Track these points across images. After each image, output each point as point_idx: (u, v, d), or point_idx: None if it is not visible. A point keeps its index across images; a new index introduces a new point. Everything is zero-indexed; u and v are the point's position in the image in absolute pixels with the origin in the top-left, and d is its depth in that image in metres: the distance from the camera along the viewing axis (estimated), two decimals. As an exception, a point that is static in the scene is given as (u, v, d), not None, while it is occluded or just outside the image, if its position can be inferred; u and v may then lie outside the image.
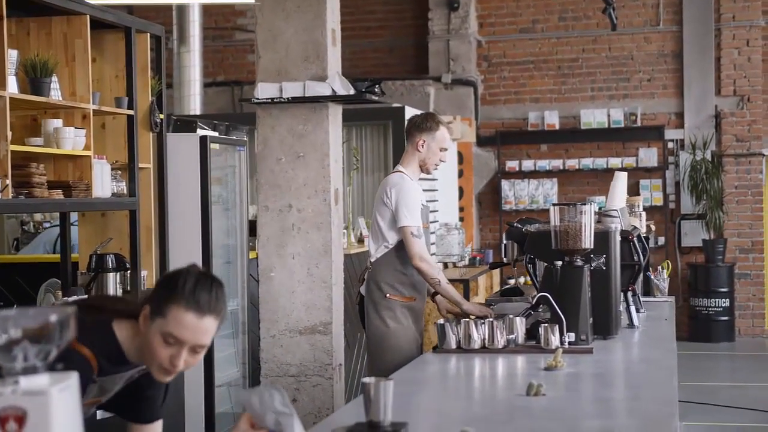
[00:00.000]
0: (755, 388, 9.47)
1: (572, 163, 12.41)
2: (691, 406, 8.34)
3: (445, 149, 5.14)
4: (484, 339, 4.11)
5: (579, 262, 4.25)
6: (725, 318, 11.89)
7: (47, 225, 8.10)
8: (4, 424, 1.67)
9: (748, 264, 12.23)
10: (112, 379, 2.66)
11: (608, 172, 11.36)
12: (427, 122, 5.13)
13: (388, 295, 5.02)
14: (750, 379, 9.94)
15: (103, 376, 2.61)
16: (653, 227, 9.37)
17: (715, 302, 11.85)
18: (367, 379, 2.69)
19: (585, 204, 4.28)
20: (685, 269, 12.27)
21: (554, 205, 4.32)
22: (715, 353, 11.43)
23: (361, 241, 8.44)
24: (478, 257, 10.48)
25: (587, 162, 12.38)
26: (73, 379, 1.76)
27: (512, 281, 10.31)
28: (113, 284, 5.27)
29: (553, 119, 12.50)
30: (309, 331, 5.42)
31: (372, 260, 5.13)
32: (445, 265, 9.88)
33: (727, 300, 11.87)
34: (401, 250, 4.99)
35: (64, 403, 1.72)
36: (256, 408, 2.36)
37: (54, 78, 4.80)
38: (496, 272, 10.69)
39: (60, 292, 5.33)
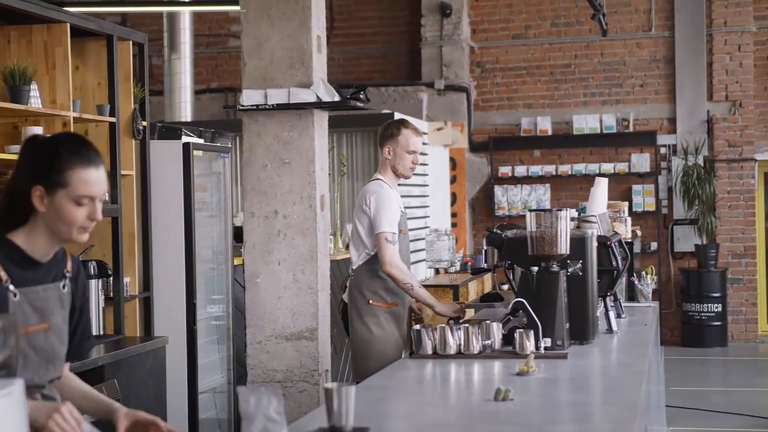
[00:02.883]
0: (747, 393, 9.47)
1: (565, 168, 12.43)
2: (681, 411, 8.34)
3: (413, 152, 5.19)
4: (459, 344, 4.12)
5: (555, 268, 4.26)
6: (718, 323, 11.89)
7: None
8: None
9: (741, 269, 12.24)
10: (35, 291, 2.66)
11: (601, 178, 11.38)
12: (389, 129, 5.22)
13: (371, 301, 5.10)
14: (742, 384, 9.95)
15: (22, 287, 2.62)
16: (639, 232, 9.36)
17: (708, 307, 11.86)
18: (328, 385, 2.71)
19: (561, 210, 4.29)
20: (677, 274, 12.28)
21: (530, 210, 4.33)
22: (708, 358, 11.44)
23: (348, 247, 8.45)
24: (470, 263, 10.48)
25: (580, 167, 12.39)
26: (17, 385, 1.77)
27: (506, 287, 10.31)
28: (95, 291, 5.28)
29: (545, 125, 12.52)
30: (295, 337, 5.43)
31: (354, 267, 5.20)
32: (436, 271, 9.90)
33: (720, 305, 11.88)
34: None
35: (7, 410, 1.73)
36: (250, 408, 2.37)
37: (33, 86, 4.82)
38: (488, 278, 10.69)
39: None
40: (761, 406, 8.73)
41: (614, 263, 4.86)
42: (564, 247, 4.25)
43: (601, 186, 5.51)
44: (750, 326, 12.27)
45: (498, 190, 12.56)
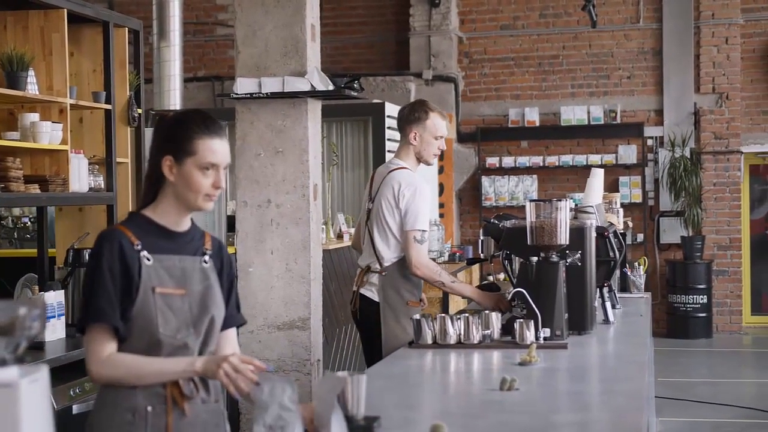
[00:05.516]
0: (732, 384, 9.54)
1: (552, 159, 12.46)
2: (668, 401, 8.39)
3: (440, 137, 4.93)
4: (459, 334, 4.12)
5: (554, 258, 4.27)
6: (703, 314, 11.96)
7: (25, 220, 8.02)
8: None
9: (726, 261, 12.31)
10: (171, 260, 2.80)
11: (588, 169, 11.24)
12: (415, 112, 4.92)
13: (409, 302, 4.86)
14: (727, 375, 10.01)
15: (155, 253, 2.77)
16: (630, 224, 9.41)
17: (693, 299, 11.93)
18: (340, 374, 2.71)
19: (561, 200, 4.29)
20: (663, 266, 12.34)
21: (530, 201, 4.33)
22: (693, 350, 11.51)
23: (340, 236, 8.44)
24: (458, 253, 10.50)
25: (567, 159, 12.43)
26: (43, 372, 1.76)
27: (491, 277, 10.32)
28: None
29: (533, 116, 12.54)
30: (287, 326, 5.42)
31: (386, 264, 4.88)
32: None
33: (705, 296, 11.95)
34: None
35: (34, 396, 1.72)
36: (264, 396, 2.37)
37: (31, 72, 4.79)
38: (476, 268, 10.71)
39: (37, 287, 5.31)
40: (746, 396, 8.79)
41: (611, 254, 4.88)
42: (563, 238, 4.26)
43: (598, 177, 5.53)
44: (735, 318, 12.36)
45: (485, 181, 12.58)
